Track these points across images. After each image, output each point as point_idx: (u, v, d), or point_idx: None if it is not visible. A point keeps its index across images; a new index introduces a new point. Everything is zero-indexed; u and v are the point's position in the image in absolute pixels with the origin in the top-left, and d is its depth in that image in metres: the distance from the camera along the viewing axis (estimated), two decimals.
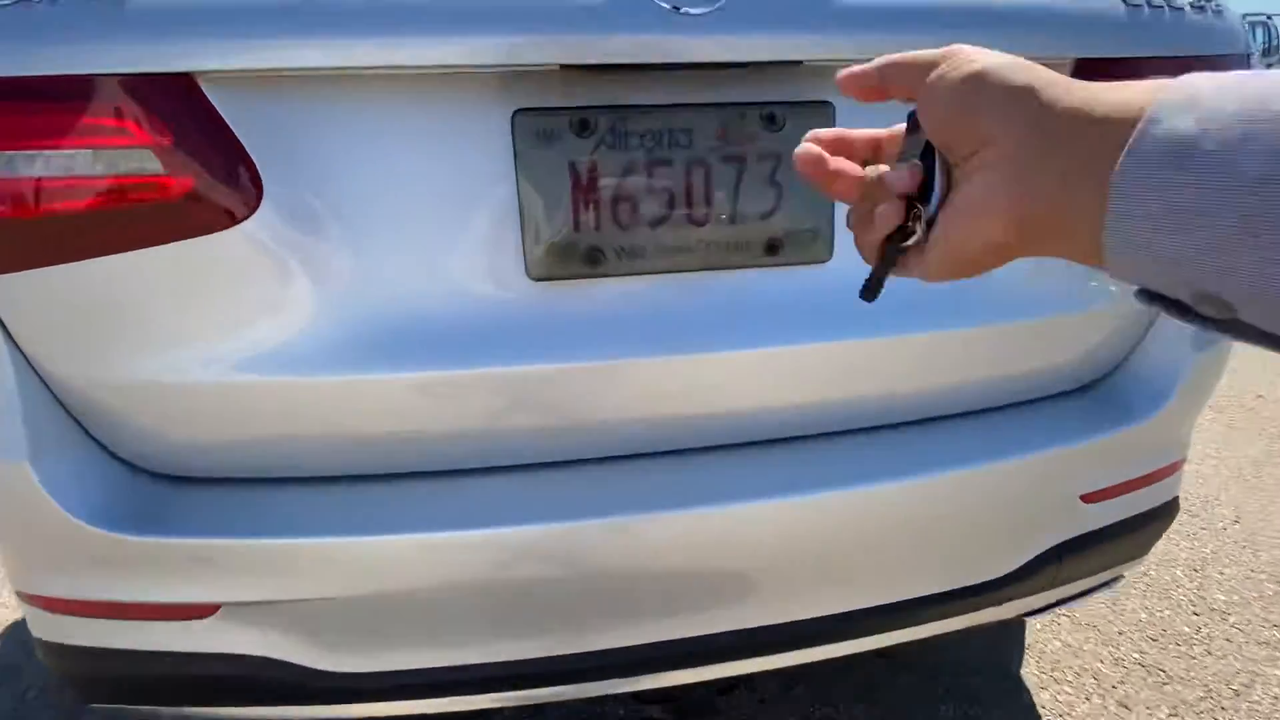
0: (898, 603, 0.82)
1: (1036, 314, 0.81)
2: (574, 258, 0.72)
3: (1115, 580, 1.02)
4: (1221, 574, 1.60)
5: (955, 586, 0.83)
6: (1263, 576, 1.59)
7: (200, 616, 0.72)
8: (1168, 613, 1.49)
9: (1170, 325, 0.85)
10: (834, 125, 0.72)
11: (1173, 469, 0.93)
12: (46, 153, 0.61)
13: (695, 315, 0.76)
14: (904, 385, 0.83)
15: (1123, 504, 0.89)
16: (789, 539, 0.77)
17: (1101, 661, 1.37)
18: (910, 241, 0.30)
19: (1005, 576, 0.84)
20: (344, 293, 0.69)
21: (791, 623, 0.80)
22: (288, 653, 0.74)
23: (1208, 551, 1.68)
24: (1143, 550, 0.99)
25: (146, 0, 0.60)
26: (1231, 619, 1.47)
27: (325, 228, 0.68)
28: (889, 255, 0.32)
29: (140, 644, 0.75)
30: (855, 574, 0.82)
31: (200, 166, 0.64)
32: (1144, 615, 1.49)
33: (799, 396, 0.81)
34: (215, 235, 0.65)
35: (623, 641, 0.79)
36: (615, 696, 1.12)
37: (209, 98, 0.62)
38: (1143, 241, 0.23)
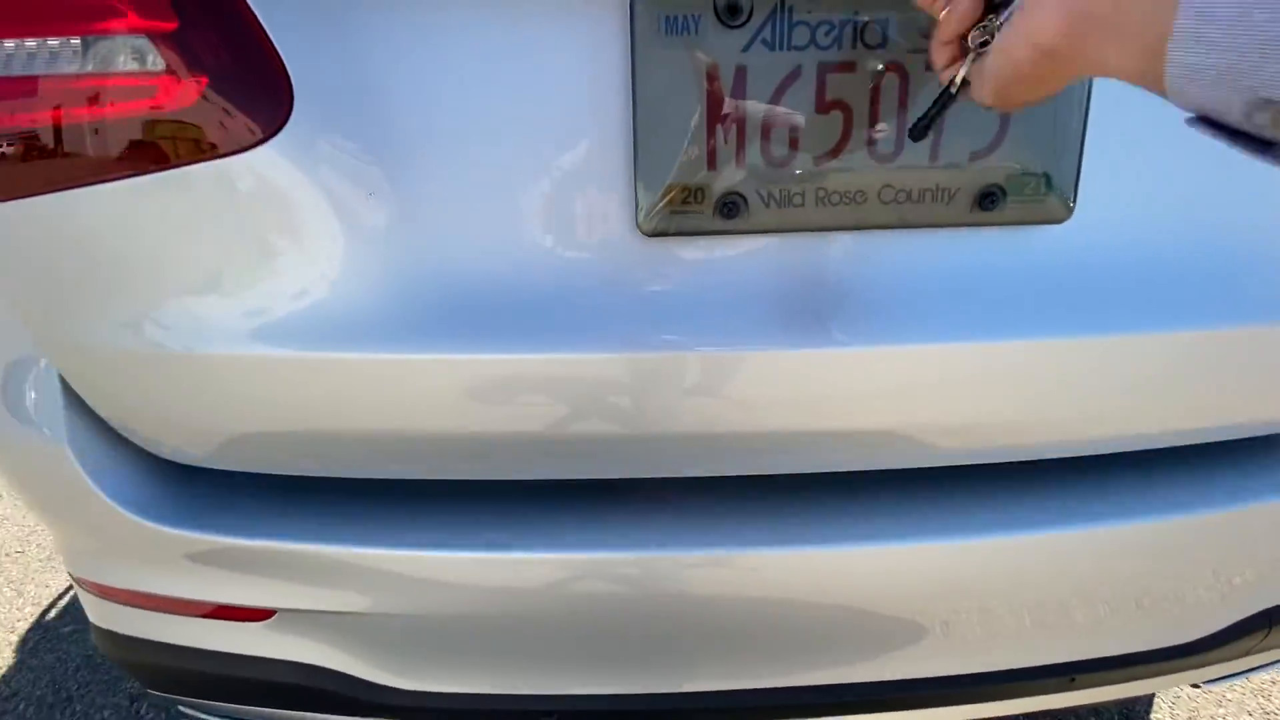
0: (1065, 664, 0.67)
1: None
2: (705, 206, 0.54)
3: None
4: None
5: (1141, 649, 0.68)
6: None
7: (255, 620, 0.65)
8: None
9: None
10: None
11: None
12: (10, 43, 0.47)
13: (872, 292, 0.57)
14: (1155, 402, 0.61)
15: None
16: (953, 586, 0.62)
17: (1250, 714, 1.19)
18: (982, 43, 0.35)
19: (1202, 641, 0.68)
20: (391, 244, 0.54)
21: (957, 677, 0.67)
22: (343, 663, 0.67)
23: None
24: None
25: None
26: None
27: (371, 153, 0.52)
28: (966, 53, 0.36)
29: (193, 641, 0.69)
30: (1031, 628, 0.68)
31: (212, 64, 0.49)
32: None
33: (1011, 413, 0.60)
34: (226, 160, 0.50)
35: (711, 686, 0.68)
36: None
37: None
38: (1210, 40, 0.23)
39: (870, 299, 0.56)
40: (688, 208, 0.53)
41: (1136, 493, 0.63)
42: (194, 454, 0.63)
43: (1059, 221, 0.56)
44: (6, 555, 1.57)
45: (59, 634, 1.37)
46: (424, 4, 0.50)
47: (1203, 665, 0.72)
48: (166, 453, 0.63)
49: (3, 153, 0.50)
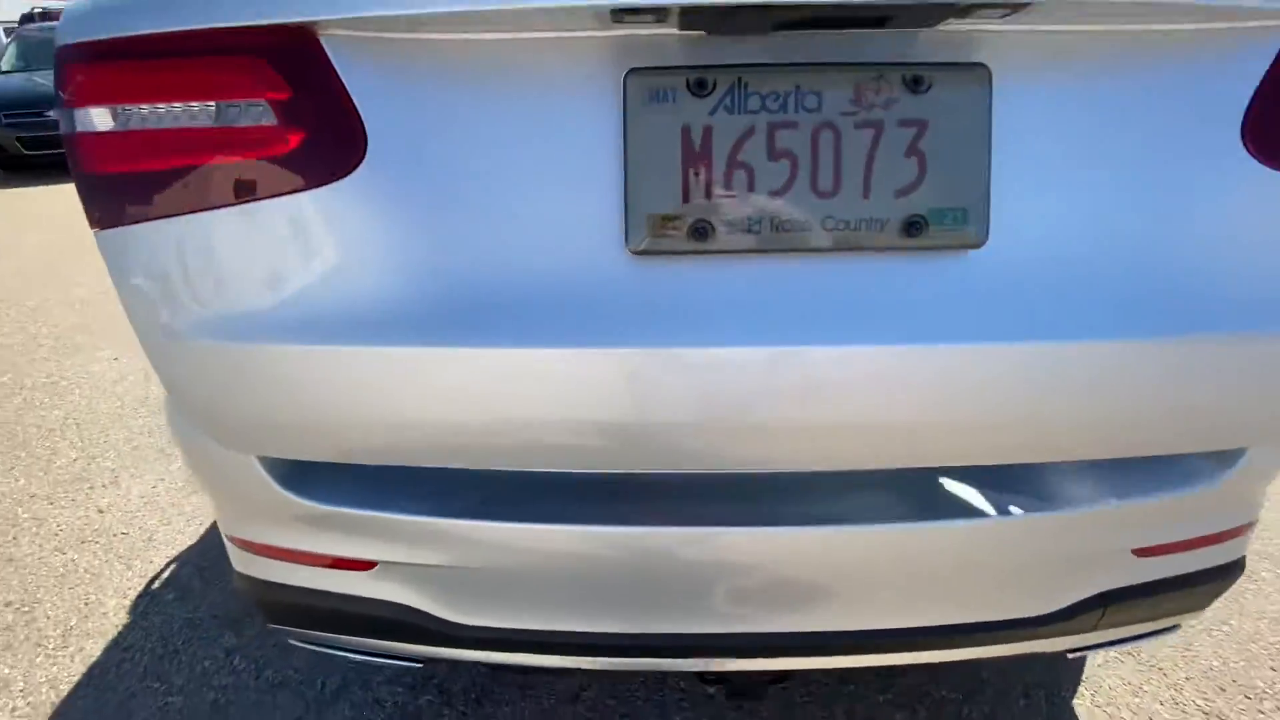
0: (941, 626, 0.90)
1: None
2: (679, 231, 0.66)
3: (1170, 629, 1.05)
4: None
5: (996, 619, 0.90)
6: None
7: (361, 569, 0.92)
8: (1242, 664, 1.47)
9: None
10: (990, 91, 0.65)
11: (1239, 531, 0.95)
12: (166, 107, 0.65)
13: (814, 304, 0.68)
14: (1059, 412, 0.72)
15: (1178, 561, 0.92)
16: (857, 562, 0.86)
17: (1161, 704, 1.38)
18: None
19: (1045, 616, 0.90)
20: (436, 261, 0.68)
21: (849, 632, 0.90)
22: (425, 604, 0.92)
23: None
24: (1200, 604, 1.02)
25: None
26: None
27: (426, 192, 0.67)
28: None
29: (313, 584, 0.95)
30: (908, 597, 0.91)
31: (310, 122, 0.65)
32: (1217, 663, 1.47)
33: (930, 412, 0.72)
34: (312, 192, 0.66)
35: (692, 629, 0.92)
36: (678, 673, 1.26)
37: (327, 52, 0.63)
38: None
39: (816, 309, 0.68)
40: (666, 233, 0.67)
41: (994, 494, 0.86)
42: (258, 443, 0.82)
43: (975, 247, 0.67)
44: (115, 536, 1.87)
45: (164, 600, 1.65)
46: (470, 81, 0.65)
47: (1053, 636, 0.93)
48: (225, 438, 0.82)
49: (155, 184, 0.67)
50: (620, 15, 0.60)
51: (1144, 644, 1.09)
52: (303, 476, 0.88)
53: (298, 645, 1.09)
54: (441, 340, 0.69)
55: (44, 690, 1.43)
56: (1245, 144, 0.67)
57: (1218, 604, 1.52)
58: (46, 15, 15.28)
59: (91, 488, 2.08)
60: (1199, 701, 1.39)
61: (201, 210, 0.68)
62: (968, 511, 0.84)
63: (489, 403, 0.73)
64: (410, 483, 0.89)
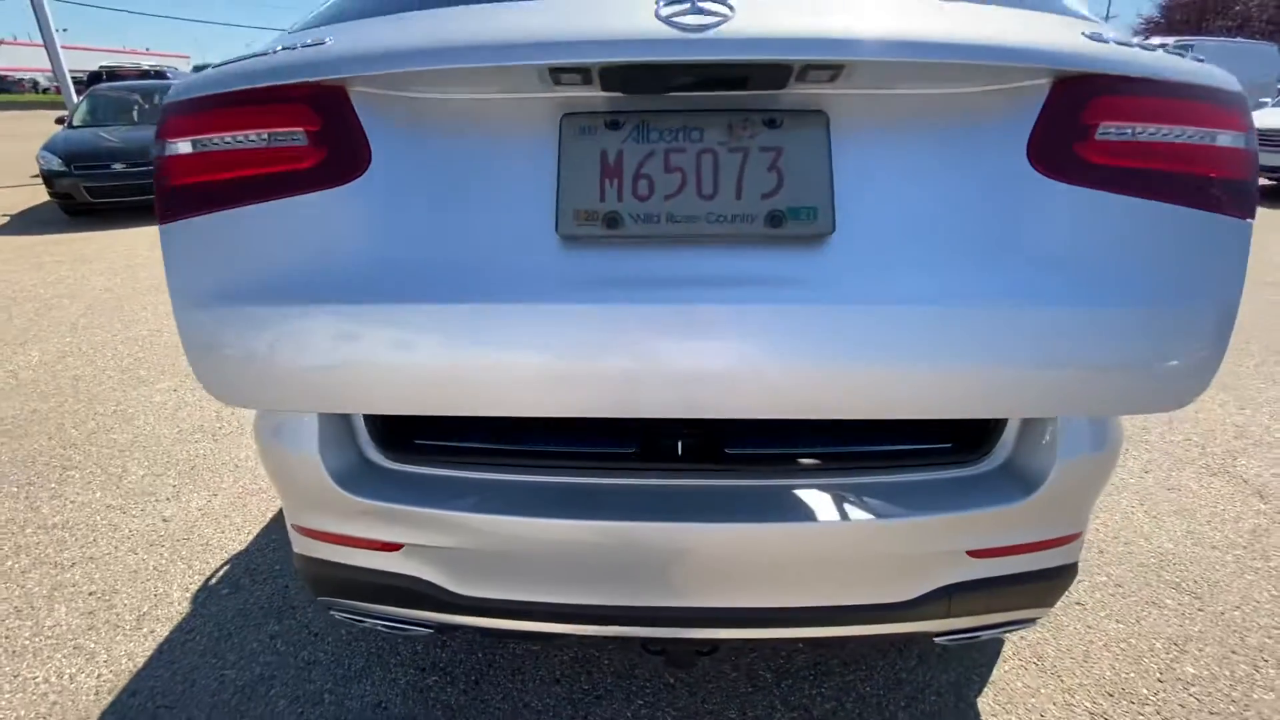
0: (823, 606, 1.19)
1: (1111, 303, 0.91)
2: (597, 222, 0.92)
3: (1025, 623, 1.32)
4: (1200, 650, 1.77)
5: (865, 603, 1.18)
6: (1239, 659, 1.75)
7: (391, 550, 1.23)
8: (1132, 675, 1.70)
9: (1064, 422, 1.13)
10: (827, 129, 0.92)
11: (1064, 540, 1.22)
12: (242, 134, 0.96)
13: (700, 277, 0.93)
14: (897, 378, 0.95)
15: (1010, 562, 1.20)
16: (752, 552, 1.15)
17: (1054, 704, 1.62)
18: None
19: (903, 603, 1.18)
20: (420, 240, 0.95)
21: (748, 608, 1.19)
22: (438, 579, 1.23)
23: (1194, 630, 1.84)
24: (1043, 602, 1.28)
25: (329, 49, 0.96)
26: (1194, 689, 1.66)
27: (411, 194, 0.95)
28: None
29: (351, 561, 1.27)
30: (790, 582, 1.19)
31: (330, 145, 0.95)
32: (1109, 673, 1.70)
33: (790, 360, 0.93)
34: (330, 190, 0.95)
35: (637, 602, 1.21)
36: (632, 642, 1.55)
37: (351, 100, 0.95)
38: None
39: (703, 280, 0.93)
40: (587, 223, 0.93)
41: (853, 501, 1.15)
42: (255, 395, 1.04)
43: (824, 236, 0.93)
44: (178, 541, 2.20)
45: (219, 594, 1.97)
46: (449, 118, 0.96)
47: (915, 619, 1.20)
48: (239, 393, 1.04)
49: (217, 188, 0.96)
50: (558, 77, 0.89)
51: (992, 634, 1.33)
52: (353, 477, 1.21)
53: (329, 632, 1.39)
54: (421, 298, 0.93)
55: (123, 661, 1.74)
56: (1031, 161, 0.94)
57: (1120, 624, 1.77)
58: (112, 74, 16.47)
59: (157, 500, 2.43)
60: (1088, 704, 1.62)
61: (247, 204, 0.96)
62: (833, 514, 1.13)
63: (454, 349, 0.96)
64: (431, 484, 1.21)
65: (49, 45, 13.00)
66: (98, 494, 2.47)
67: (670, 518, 1.13)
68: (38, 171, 7.30)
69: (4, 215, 7.44)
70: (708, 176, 0.92)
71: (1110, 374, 0.96)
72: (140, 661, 1.74)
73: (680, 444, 1.25)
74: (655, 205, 0.93)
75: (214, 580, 2.02)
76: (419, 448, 1.26)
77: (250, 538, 2.22)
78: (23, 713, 1.60)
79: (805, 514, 1.14)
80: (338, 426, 1.22)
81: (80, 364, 3.61)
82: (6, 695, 1.64)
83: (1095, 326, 0.93)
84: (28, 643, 1.80)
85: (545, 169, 0.95)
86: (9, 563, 2.11)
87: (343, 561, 1.27)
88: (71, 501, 2.42)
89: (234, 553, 2.14)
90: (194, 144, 0.97)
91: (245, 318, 0.97)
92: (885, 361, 0.94)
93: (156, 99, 8.59)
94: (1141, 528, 2.25)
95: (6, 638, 1.82)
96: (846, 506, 1.14)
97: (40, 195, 7.53)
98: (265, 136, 0.95)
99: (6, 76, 37.65)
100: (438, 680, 1.68)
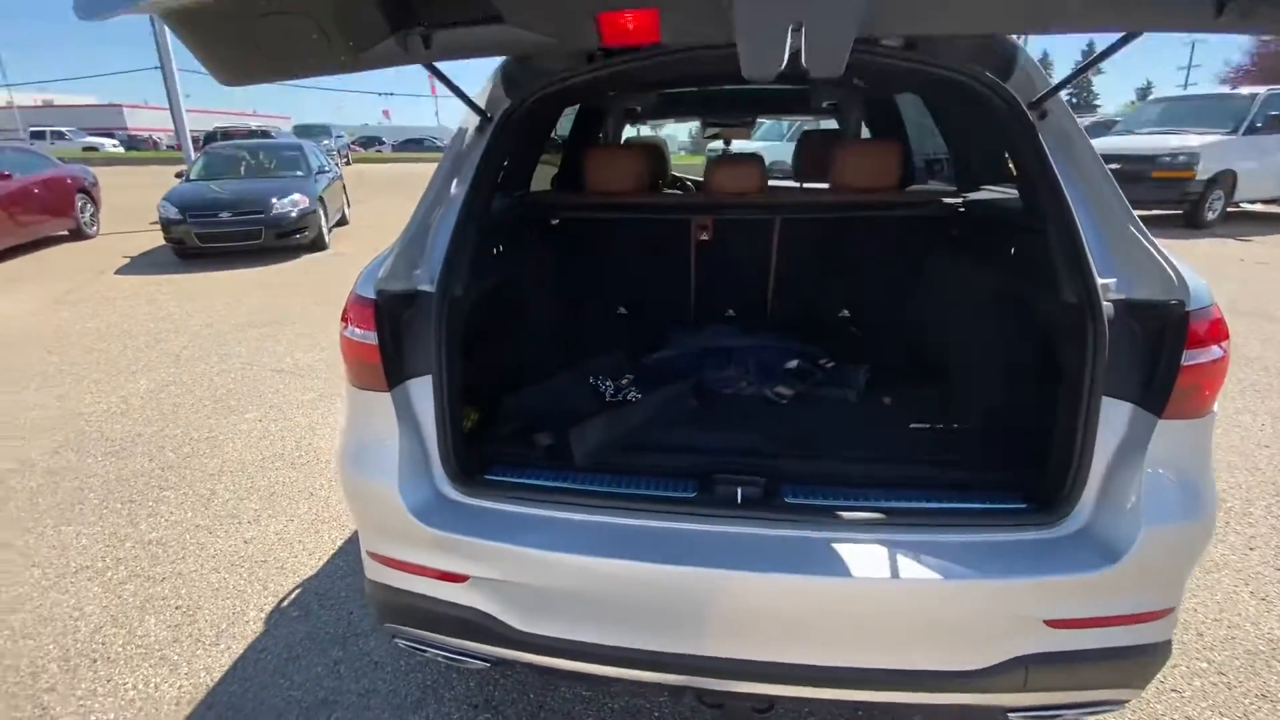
0: (887, 669, 1.14)
1: None
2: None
3: (1112, 705, 1.23)
4: None
5: (933, 668, 1.14)
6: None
7: (457, 581, 1.28)
8: None
9: (1150, 486, 1.09)
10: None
11: (1153, 616, 1.15)
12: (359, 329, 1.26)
13: None
14: None
15: (1093, 635, 1.13)
16: (813, 605, 1.13)
17: None
18: None
19: (975, 671, 1.13)
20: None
21: (809, 665, 1.16)
22: (499, 613, 1.26)
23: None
24: (1132, 683, 1.19)
25: None
26: None
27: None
28: None
29: (418, 590, 1.32)
30: (853, 640, 1.16)
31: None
32: None
33: None
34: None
35: (699, 652, 1.20)
36: (685, 694, 1.52)
37: None
38: None
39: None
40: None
41: (922, 556, 1.12)
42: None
43: None
44: (256, 563, 2.33)
45: (290, 616, 2.06)
46: None
47: (989, 690, 1.14)
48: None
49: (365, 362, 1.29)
50: None
51: (1091, 715, 1.24)
52: (427, 508, 1.27)
53: (388, 662, 1.44)
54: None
55: (201, 675, 1.83)
56: None
57: (1224, 718, 1.61)
58: (226, 135, 18.37)
59: (239, 523, 2.58)
60: None
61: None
62: (900, 571, 1.11)
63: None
64: (499, 519, 1.26)
65: (174, 109, 14.56)
66: (189, 514, 2.65)
67: (731, 565, 1.14)
68: (155, 219, 8.12)
69: (125, 257, 8.26)
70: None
71: None
72: (216, 676, 1.83)
73: (740, 491, 1.26)
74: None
75: (286, 603, 2.12)
76: (490, 483, 1.32)
77: (321, 563, 2.32)
78: (113, 716, 1.71)
79: (870, 569, 1.12)
80: (415, 459, 1.30)
81: (180, 393, 3.92)
82: (100, 698, 1.76)
83: None
84: (120, 650, 1.93)
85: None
86: (109, 573, 2.28)
87: (411, 589, 1.33)
88: (166, 520, 2.61)
89: (305, 577, 2.25)
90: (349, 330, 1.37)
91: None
92: None
93: (261, 156, 9.49)
94: (1247, 610, 2.05)
95: (103, 644, 1.96)
96: (914, 563, 1.11)
97: (157, 239, 8.35)
98: None
99: (136, 135, 42.47)
100: (489, 718, 1.69)
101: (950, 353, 2.01)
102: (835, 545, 1.17)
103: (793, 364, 2.15)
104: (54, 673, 1.85)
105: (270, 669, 1.85)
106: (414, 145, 40.36)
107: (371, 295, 1.28)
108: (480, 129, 1.52)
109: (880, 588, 1.11)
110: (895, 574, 1.10)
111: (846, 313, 2.72)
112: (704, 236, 2.57)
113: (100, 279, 7.04)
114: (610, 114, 3.27)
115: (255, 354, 4.60)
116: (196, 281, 6.95)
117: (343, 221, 10.31)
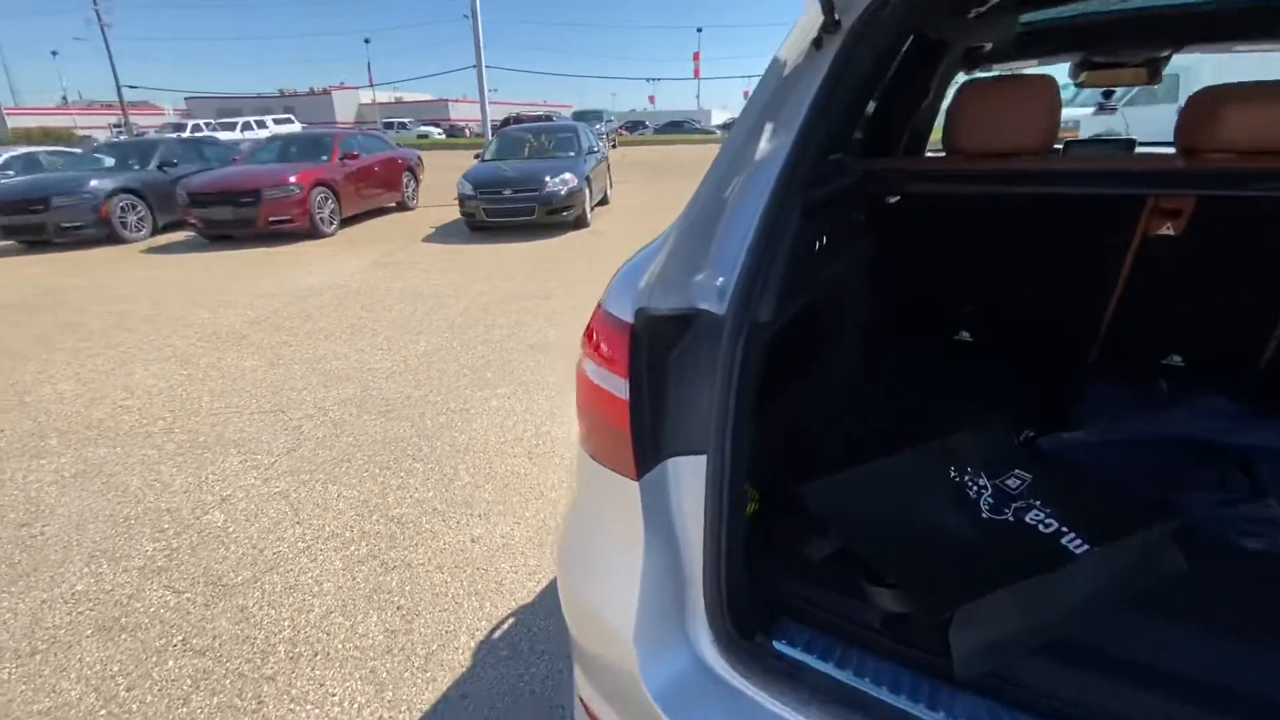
0: None
1: None
2: None
3: None
4: None
5: None
6: None
7: None
8: None
9: None
10: None
11: None
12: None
13: None
14: None
15: None
16: None
17: None
18: None
19: None
20: None
21: None
22: None
23: None
24: None
25: None
26: None
27: None
28: None
29: None
30: None
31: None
32: None
33: None
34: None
35: None
36: None
37: None
38: None
39: None
40: None
41: None
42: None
43: None
44: (478, 570, 2.12)
45: (499, 654, 1.77)
46: None
47: None
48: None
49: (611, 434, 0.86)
50: None
51: None
52: (678, 695, 0.74)
53: None
54: None
55: (401, 710, 1.61)
56: None
57: None
58: (519, 120, 20.96)
59: (471, 515, 2.44)
60: None
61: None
62: None
63: None
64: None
65: (481, 100, 18.04)
66: (430, 493, 2.59)
67: None
68: (456, 195, 9.20)
69: (432, 227, 9.52)
70: None
71: None
72: (415, 715, 1.59)
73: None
74: None
75: (498, 634, 1.84)
76: (782, 662, 0.74)
77: (538, 588, 2.02)
78: None
79: None
80: (666, 600, 0.78)
81: (447, 359, 4.11)
82: (308, 706, 1.64)
83: None
84: (340, 648, 1.82)
85: None
86: (352, 548, 2.27)
87: None
88: (410, 496, 2.58)
89: (521, 604, 1.96)
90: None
91: None
92: None
93: (542, 137, 10.21)
94: None
95: (327, 635, 1.87)
96: None
97: (455, 214, 9.47)
98: None
99: (455, 125, 51.00)
100: None
101: None
102: None
103: None
104: (280, 658, 1.79)
105: None
106: (674, 128, 42.53)
107: (628, 317, 0.78)
108: (818, 43, 0.89)
109: None
110: None
111: None
112: (1166, 230, 1.52)
113: (410, 246, 8.15)
114: (947, 54, 2.34)
115: (515, 327, 4.71)
116: (479, 252, 7.63)
117: (604, 201, 10.69)
